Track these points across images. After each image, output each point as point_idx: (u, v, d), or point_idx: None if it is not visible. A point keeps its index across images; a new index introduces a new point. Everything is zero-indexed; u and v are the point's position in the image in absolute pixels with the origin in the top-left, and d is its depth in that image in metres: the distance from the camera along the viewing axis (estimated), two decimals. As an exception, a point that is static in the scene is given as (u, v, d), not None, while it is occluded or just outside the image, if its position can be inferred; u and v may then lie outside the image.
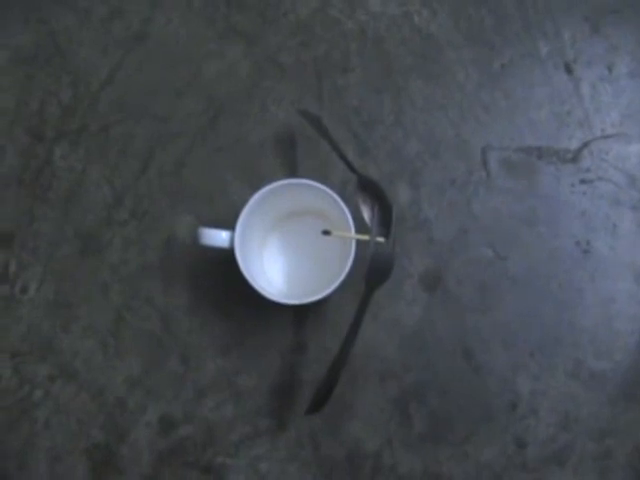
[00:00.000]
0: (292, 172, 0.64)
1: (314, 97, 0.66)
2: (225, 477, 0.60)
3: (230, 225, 0.56)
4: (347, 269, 0.54)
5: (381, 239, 0.56)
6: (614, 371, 0.61)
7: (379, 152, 0.65)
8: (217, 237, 0.56)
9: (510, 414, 0.61)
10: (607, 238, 0.63)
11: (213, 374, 0.62)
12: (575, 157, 0.64)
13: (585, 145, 0.65)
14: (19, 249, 0.64)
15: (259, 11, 0.68)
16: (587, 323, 0.62)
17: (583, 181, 0.64)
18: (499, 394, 0.61)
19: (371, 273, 0.55)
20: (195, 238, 0.57)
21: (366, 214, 0.57)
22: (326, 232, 0.56)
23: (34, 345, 0.63)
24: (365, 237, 0.55)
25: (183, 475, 0.60)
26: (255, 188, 0.56)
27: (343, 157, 0.59)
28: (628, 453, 0.60)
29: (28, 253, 0.64)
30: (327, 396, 0.55)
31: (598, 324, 0.62)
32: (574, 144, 0.65)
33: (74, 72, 0.67)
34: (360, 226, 0.56)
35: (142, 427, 0.61)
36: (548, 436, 0.60)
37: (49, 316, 0.63)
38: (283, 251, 0.62)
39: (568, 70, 0.66)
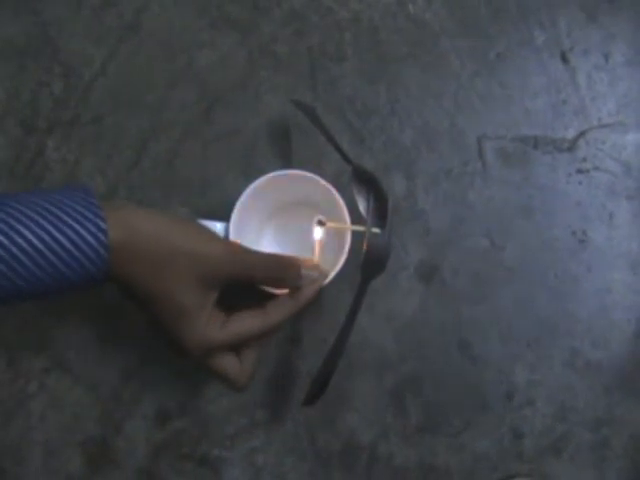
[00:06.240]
0: (286, 163, 0.64)
1: (308, 87, 0.66)
2: (221, 469, 0.60)
3: (225, 217, 0.56)
4: (342, 260, 0.54)
5: (377, 230, 0.55)
6: (610, 361, 0.61)
7: (374, 142, 0.64)
8: (212, 229, 0.55)
9: (506, 405, 0.61)
10: (603, 228, 0.63)
11: (208, 366, 0.61)
12: (571, 146, 0.64)
13: (581, 134, 0.64)
14: (12, 242, 0.64)
15: (252, 0, 0.67)
16: (583, 313, 0.62)
17: (579, 171, 0.64)
18: (495, 385, 0.61)
19: (367, 264, 0.55)
20: (189, 230, 0.56)
21: (361, 205, 0.56)
22: (321, 223, 0.56)
23: (29, 337, 0.62)
24: (361, 228, 0.55)
25: (179, 468, 0.60)
26: (250, 179, 0.56)
27: (338, 147, 0.59)
28: (624, 443, 0.60)
29: (21, 246, 0.64)
30: (323, 388, 0.55)
31: (594, 314, 0.62)
32: (570, 133, 0.65)
33: (66, 63, 0.66)
34: (355, 217, 0.55)
35: (138, 420, 0.61)
36: (545, 426, 0.60)
37: (44, 308, 0.62)
38: (278, 242, 0.62)
39: (564, 59, 0.66)
